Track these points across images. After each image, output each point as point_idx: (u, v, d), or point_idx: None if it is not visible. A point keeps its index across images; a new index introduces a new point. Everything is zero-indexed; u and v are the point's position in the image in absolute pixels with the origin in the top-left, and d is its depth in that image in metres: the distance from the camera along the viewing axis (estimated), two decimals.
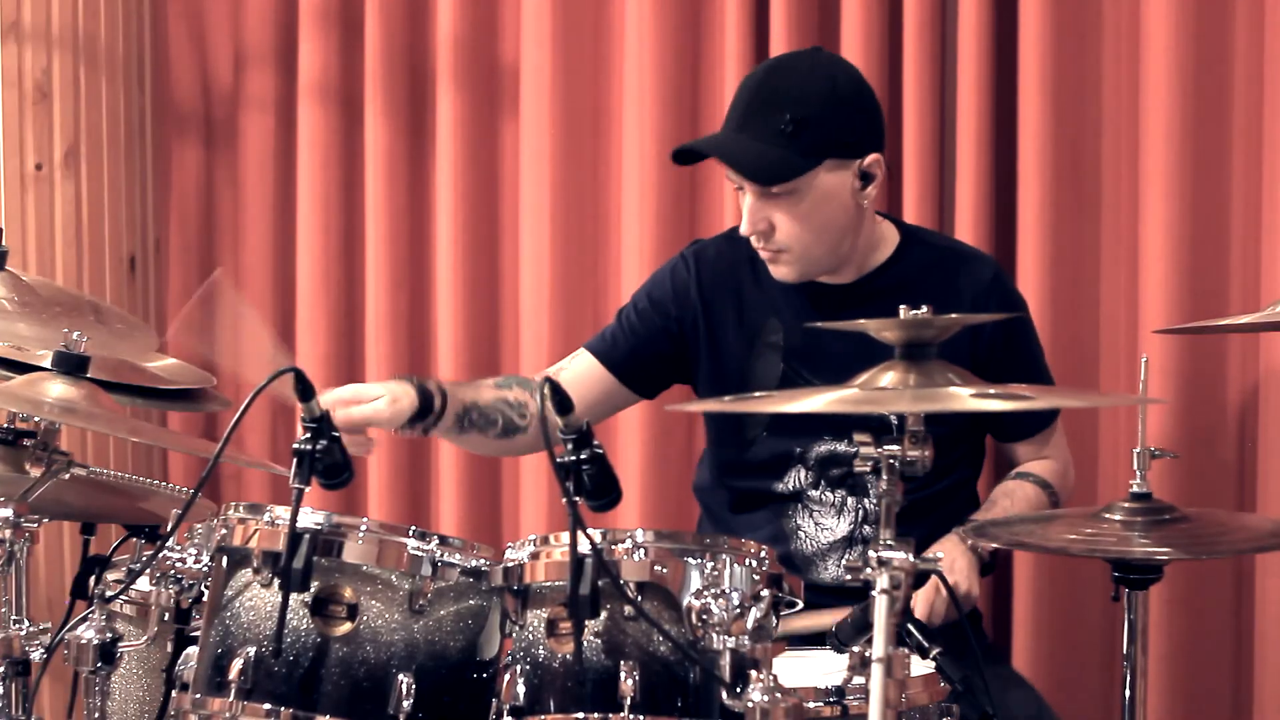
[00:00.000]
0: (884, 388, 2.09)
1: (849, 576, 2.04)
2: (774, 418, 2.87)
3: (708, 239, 3.03)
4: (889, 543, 2.01)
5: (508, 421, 2.86)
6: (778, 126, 2.70)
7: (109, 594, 2.40)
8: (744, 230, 2.78)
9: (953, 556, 2.72)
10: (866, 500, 2.83)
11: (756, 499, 2.91)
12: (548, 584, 2.22)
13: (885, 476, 2.06)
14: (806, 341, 2.84)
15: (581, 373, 2.94)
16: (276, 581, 2.21)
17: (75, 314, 2.85)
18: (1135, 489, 2.36)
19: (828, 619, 2.28)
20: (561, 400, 2.16)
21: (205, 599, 2.37)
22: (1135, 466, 2.37)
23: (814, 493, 2.86)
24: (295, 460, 2.19)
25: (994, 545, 2.69)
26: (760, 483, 2.90)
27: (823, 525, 2.86)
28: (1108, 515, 2.36)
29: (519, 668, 2.22)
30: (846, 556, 2.82)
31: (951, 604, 2.65)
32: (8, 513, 2.44)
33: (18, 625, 2.47)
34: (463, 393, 2.82)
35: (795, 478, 2.87)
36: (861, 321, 2.17)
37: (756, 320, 2.89)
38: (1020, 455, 2.97)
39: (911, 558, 1.99)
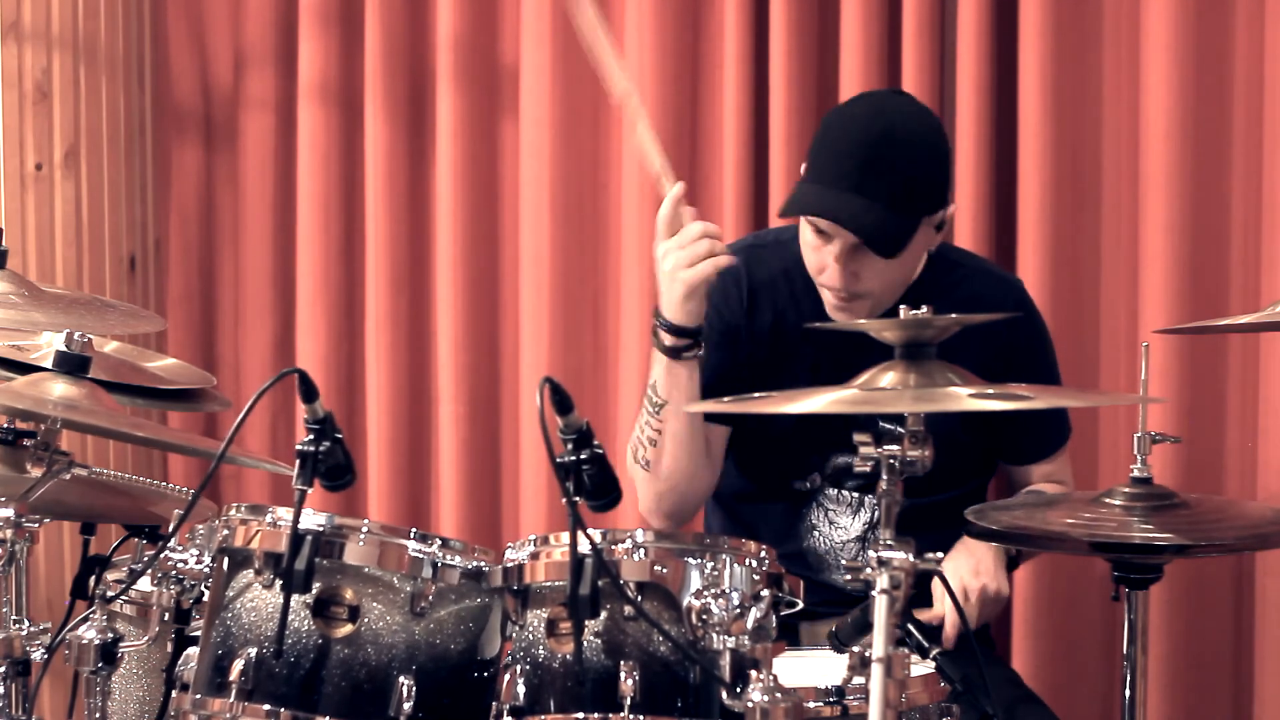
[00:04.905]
0: (884, 388, 2.09)
1: (848, 577, 2.05)
2: (795, 428, 2.86)
3: (736, 244, 2.96)
4: (889, 543, 2.02)
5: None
6: (893, 190, 2.66)
7: (109, 594, 2.40)
8: (833, 281, 2.73)
9: (976, 558, 2.70)
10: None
11: (773, 493, 2.92)
12: (548, 584, 2.22)
13: (886, 477, 2.07)
14: (835, 358, 2.83)
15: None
16: (278, 583, 2.21)
17: (81, 305, 2.85)
18: (1136, 473, 2.37)
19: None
20: (561, 400, 2.16)
21: (206, 599, 2.37)
22: (1136, 451, 2.37)
23: (831, 491, 2.87)
24: (298, 462, 2.19)
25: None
26: (778, 478, 2.91)
27: (837, 524, 2.87)
28: (1108, 500, 2.36)
29: (519, 668, 2.23)
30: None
31: (983, 607, 2.67)
32: (8, 513, 2.44)
33: (18, 625, 2.47)
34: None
35: (814, 479, 2.88)
36: (862, 322, 2.17)
37: (789, 334, 2.86)
38: (1032, 476, 2.97)
39: (911, 558, 1.99)
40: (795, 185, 2.78)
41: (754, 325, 2.88)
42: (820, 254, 2.74)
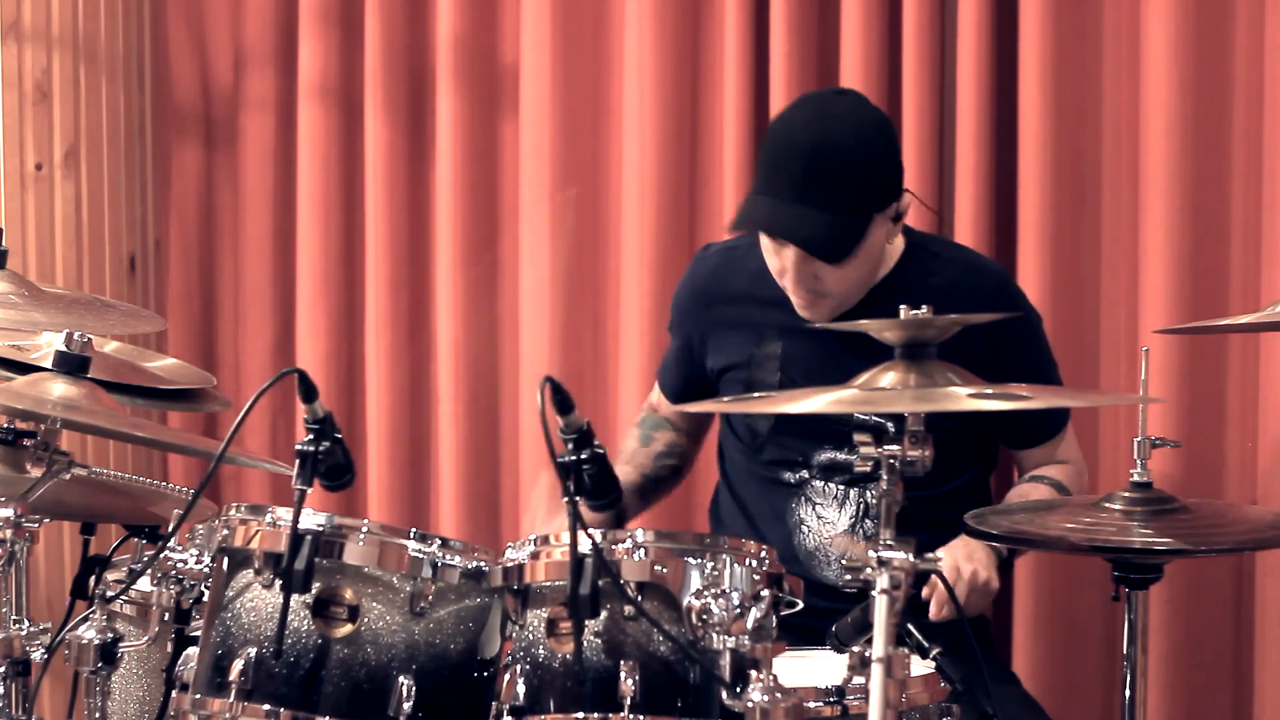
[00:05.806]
0: (884, 388, 2.09)
1: (848, 576, 2.05)
2: (777, 423, 2.87)
3: (716, 244, 3.06)
4: (889, 543, 2.02)
5: (671, 470, 3.05)
6: (836, 196, 2.70)
7: (109, 594, 2.40)
8: (792, 286, 2.78)
9: (971, 548, 2.69)
10: (869, 493, 2.83)
11: (766, 484, 2.93)
12: (548, 584, 2.22)
13: (885, 476, 2.07)
14: (804, 351, 2.85)
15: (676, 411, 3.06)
16: (278, 582, 2.21)
17: (81, 305, 2.85)
18: (1136, 478, 2.36)
19: None
20: (562, 400, 2.17)
21: (206, 599, 2.37)
22: (1135, 456, 2.37)
23: (817, 484, 2.87)
24: (298, 462, 2.19)
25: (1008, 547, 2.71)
26: (768, 472, 2.93)
27: (824, 518, 2.87)
28: (1108, 505, 2.36)
29: (519, 668, 2.23)
30: (848, 552, 2.84)
31: (972, 593, 2.65)
32: (8, 513, 2.44)
33: (18, 625, 2.47)
34: (628, 476, 2.98)
35: (800, 475, 2.89)
36: (862, 322, 2.17)
37: (758, 328, 2.90)
38: (1033, 460, 2.97)
39: (911, 557, 1.99)
40: (745, 196, 2.83)
41: (713, 332, 2.96)
42: (779, 258, 2.79)
